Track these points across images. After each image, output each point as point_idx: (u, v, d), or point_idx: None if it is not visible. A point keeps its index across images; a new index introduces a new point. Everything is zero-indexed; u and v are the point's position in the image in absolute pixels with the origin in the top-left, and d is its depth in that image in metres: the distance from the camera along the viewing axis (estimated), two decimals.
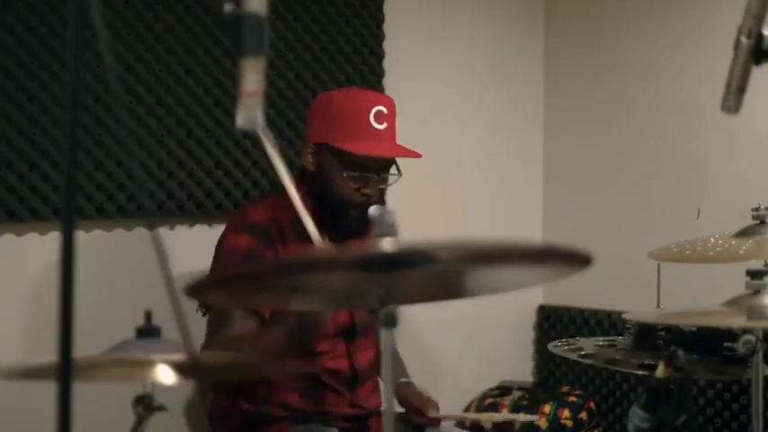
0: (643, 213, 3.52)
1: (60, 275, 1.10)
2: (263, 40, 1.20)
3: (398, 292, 1.41)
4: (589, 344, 2.57)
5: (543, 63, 3.82)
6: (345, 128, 2.39)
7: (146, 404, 1.56)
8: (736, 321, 2.02)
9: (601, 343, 2.59)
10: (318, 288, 1.52)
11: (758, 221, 2.24)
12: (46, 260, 2.55)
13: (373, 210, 1.37)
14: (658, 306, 2.52)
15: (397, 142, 2.49)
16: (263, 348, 2.31)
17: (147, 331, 1.58)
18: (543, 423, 3.28)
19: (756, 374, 2.14)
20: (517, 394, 3.44)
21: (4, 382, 1.77)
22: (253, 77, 1.20)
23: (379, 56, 3.26)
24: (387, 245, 1.31)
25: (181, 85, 2.80)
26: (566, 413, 3.33)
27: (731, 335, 2.17)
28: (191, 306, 2.47)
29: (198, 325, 2.45)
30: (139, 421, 1.56)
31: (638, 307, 2.62)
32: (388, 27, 3.28)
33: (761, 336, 2.07)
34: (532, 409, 3.32)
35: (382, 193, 2.46)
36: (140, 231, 2.76)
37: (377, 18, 3.25)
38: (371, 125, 2.39)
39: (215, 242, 2.50)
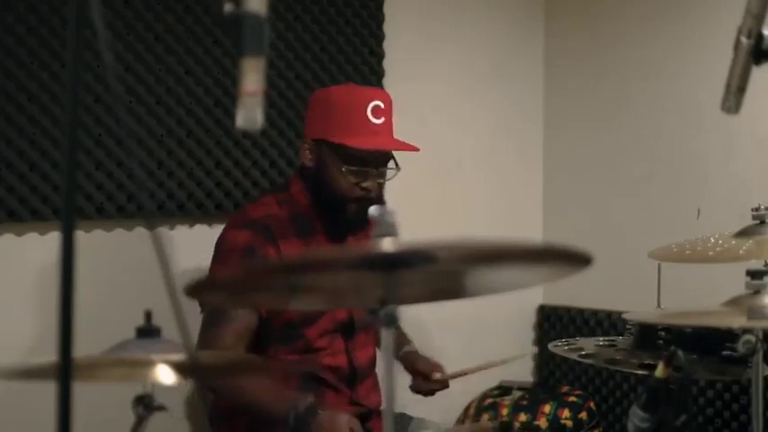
0: (643, 213, 3.52)
1: (60, 275, 1.10)
2: (263, 40, 1.20)
3: (398, 292, 1.41)
4: (589, 344, 2.57)
5: (543, 63, 3.82)
6: (343, 123, 2.40)
7: (146, 404, 1.56)
8: (736, 321, 2.02)
9: (601, 343, 2.59)
10: (318, 288, 1.52)
11: (758, 221, 2.24)
12: (46, 260, 2.55)
13: (373, 210, 1.37)
14: (658, 306, 2.52)
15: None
16: (258, 403, 2.34)
17: (147, 331, 1.58)
18: (543, 423, 3.28)
19: (756, 374, 2.14)
20: (517, 394, 3.44)
21: (4, 382, 1.77)
22: (253, 77, 1.19)
23: (379, 56, 3.26)
24: (387, 245, 1.31)
25: (181, 85, 2.81)
26: (566, 413, 3.33)
27: (731, 335, 2.17)
28: (191, 306, 2.46)
29: (198, 325, 2.45)
30: (139, 421, 1.56)
31: (638, 307, 2.62)
32: (388, 27, 3.28)
33: (761, 336, 2.07)
34: (532, 409, 3.32)
35: (381, 187, 2.46)
36: (140, 231, 2.76)
37: (377, 18, 3.25)
38: (369, 120, 2.40)
39: (215, 242, 2.50)
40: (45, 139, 2.56)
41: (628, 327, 2.53)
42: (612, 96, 3.64)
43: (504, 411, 3.32)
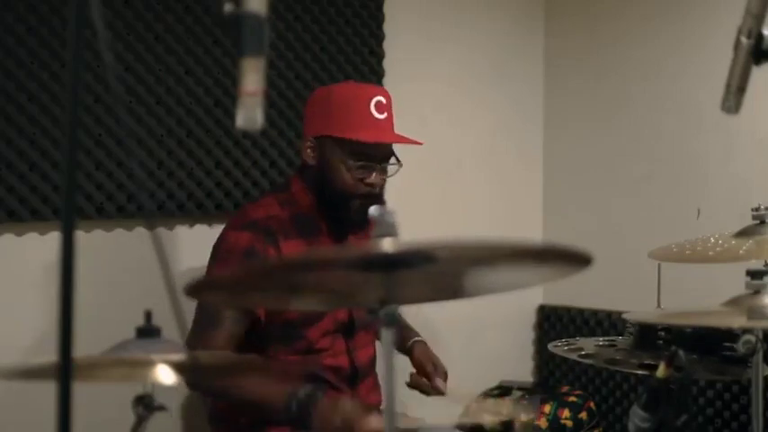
0: (643, 213, 3.52)
1: (60, 275, 1.10)
2: (263, 40, 1.20)
3: (398, 292, 1.41)
4: (589, 344, 2.57)
5: (543, 63, 3.82)
6: (348, 118, 2.41)
7: (146, 404, 1.56)
8: (736, 321, 2.02)
9: (601, 343, 2.59)
10: (318, 288, 1.52)
11: (758, 221, 2.24)
12: (46, 260, 2.55)
13: (373, 210, 1.37)
14: (658, 306, 2.52)
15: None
16: (255, 397, 2.32)
17: (147, 331, 1.58)
18: (543, 423, 3.28)
19: (756, 374, 2.14)
20: (517, 394, 3.44)
21: (4, 382, 1.77)
22: (253, 77, 1.19)
23: (379, 56, 3.26)
24: (387, 245, 1.31)
25: (181, 85, 2.81)
26: (566, 413, 3.33)
27: (731, 335, 2.17)
28: (191, 306, 2.47)
29: None
30: (139, 421, 1.56)
31: (638, 307, 2.62)
32: (388, 27, 3.28)
33: (761, 336, 2.07)
34: (532, 408, 3.32)
35: (383, 183, 2.47)
36: (140, 231, 2.76)
37: (377, 18, 3.25)
38: (373, 115, 2.41)
39: (214, 242, 2.50)
40: (45, 139, 2.56)
41: (628, 327, 2.53)
42: (612, 96, 3.64)
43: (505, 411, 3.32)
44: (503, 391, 3.47)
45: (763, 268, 2.10)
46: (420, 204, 3.23)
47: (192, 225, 2.89)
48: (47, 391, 1.18)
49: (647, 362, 2.29)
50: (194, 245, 2.77)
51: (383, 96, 2.45)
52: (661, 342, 2.38)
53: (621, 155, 3.61)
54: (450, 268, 1.41)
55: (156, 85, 2.76)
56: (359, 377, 2.55)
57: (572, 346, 2.54)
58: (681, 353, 1.86)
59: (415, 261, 1.32)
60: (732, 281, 2.10)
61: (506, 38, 3.73)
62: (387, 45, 3.28)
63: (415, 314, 2.70)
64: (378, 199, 2.43)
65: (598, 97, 3.68)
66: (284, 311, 2.39)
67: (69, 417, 1.08)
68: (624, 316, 2.48)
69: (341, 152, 2.41)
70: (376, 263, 1.34)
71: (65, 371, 1.08)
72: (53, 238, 2.55)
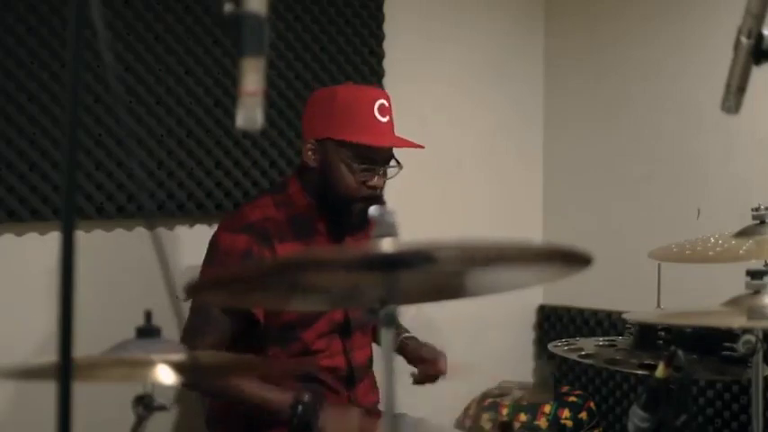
0: (643, 213, 3.52)
1: (60, 275, 1.10)
2: (263, 40, 1.20)
3: (398, 292, 1.41)
4: (589, 344, 2.57)
5: (543, 63, 3.82)
6: (351, 121, 2.40)
7: (146, 404, 1.56)
8: (736, 321, 2.02)
9: (601, 343, 2.59)
10: (318, 288, 1.52)
11: (758, 221, 2.24)
12: (46, 260, 2.55)
13: (373, 210, 1.37)
14: (658, 306, 2.52)
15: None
16: (257, 400, 2.34)
17: (147, 331, 1.58)
18: (543, 423, 3.28)
19: (756, 374, 2.14)
20: (517, 394, 3.44)
21: (4, 382, 1.77)
22: (253, 77, 1.19)
23: (379, 56, 3.26)
24: (387, 245, 1.31)
25: (181, 85, 2.80)
26: (566, 413, 3.33)
27: (731, 335, 2.17)
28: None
29: None
30: (139, 421, 1.56)
31: (638, 307, 2.62)
32: (388, 27, 3.28)
33: (761, 336, 2.07)
34: (533, 409, 3.32)
35: (384, 185, 2.47)
36: (140, 231, 2.76)
37: (377, 18, 3.25)
38: (376, 118, 2.41)
39: (209, 241, 2.50)
40: (45, 139, 2.56)
41: (628, 327, 2.53)
42: (612, 96, 3.64)
43: (505, 411, 3.32)
44: (503, 391, 3.47)
45: (763, 268, 2.10)
46: (420, 204, 3.23)
47: (191, 225, 2.89)
48: (47, 391, 1.18)
49: (646, 362, 2.29)
50: (194, 245, 2.76)
51: (385, 99, 2.45)
52: (661, 342, 2.38)
53: (621, 155, 3.61)
54: (450, 268, 1.41)
55: (156, 85, 2.76)
56: (355, 378, 2.55)
57: (572, 347, 2.54)
58: (680, 353, 1.86)
59: (415, 261, 1.32)
60: (732, 281, 2.10)
61: (506, 38, 3.73)
62: (387, 45, 3.28)
63: (416, 314, 2.70)
64: (378, 201, 2.43)
65: (598, 97, 3.68)
66: (281, 313, 2.39)
67: (69, 417, 1.08)
68: (624, 316, 2.48)
69: (344, 155, 2.40)
70: (376, 263, 1.34)
71: (65, 371, 1.08)
72: (53, 238, 2.55)
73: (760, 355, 2.10)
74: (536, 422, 3.27)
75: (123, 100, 2.57)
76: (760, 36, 1.54)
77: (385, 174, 2.46)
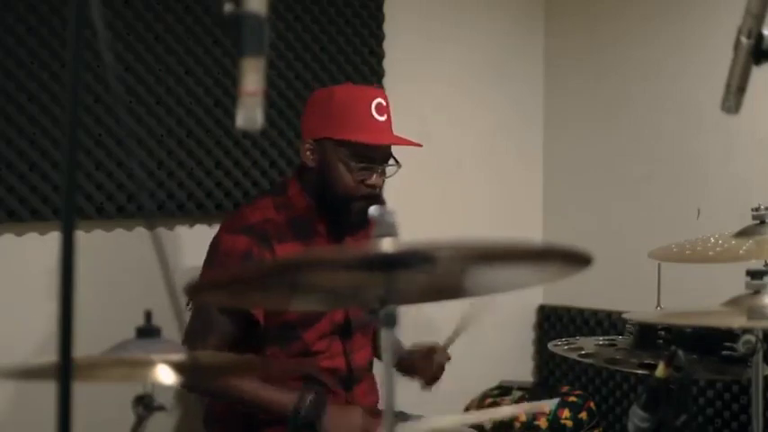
0: (643, 213, 3.52)
1: (60, 275, 1.10)
2: (263, 40, 1.20)
3: (398, 292, 1.41)
4: (589, 343, 2.57)
5: (543, 63, 3.82)
6: (349, 120, 2.41)
7: (146, 404, 1.56)
8: (736, 321, 2.02)
9: (601, 342, 2.59)
10: (318, 288, 1.52)
11: (758, 221, 2.24)
12: (46, 260, 2.54)
13: (373, 210, 1.37)
14: (658, 306, 2.52)
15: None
16: (260, 400, 2.34)
17: (147, 331, 1.58)
18: (543, 423, 3.28)
19: (756, 374, 2.14)
20: (517, 394, 3.44)
21: (4, 382, 1.77)
22: (253, 77, 1.19)
23: (379, 56, 3.26)
24: (387, 245, 1.31)
25: (181, 85, 2.81)
26: (566, 413, 3.33)
27: (731, 334, 2.17)
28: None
29: None
30: (139, 421, 1.56)
31: (638, 307, 2.62)
32: (388, 27, 3.28)
33: (761, 336, 2.07)
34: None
35: (383, 184, 2.47)
36: (140, 231, 2.76)
37: (377, 18, 3.25)
38: (374, 116, 2.41)
39: (210, 243, 2.50)
40: (45, 139, 2.56)
41: (628, 326, 2.53)
42: (612, 96, 3.64)
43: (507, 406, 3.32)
44: (503, 391, 3.47)
45: (763, 268, 2.10)
46: (420, 204, 3.23)
47: (191, 225, 2.89)
48: (47, 391, 1.18)
49: (646, 361, 2.29)
50: (194, 245, 2.76)
51: (382, 98, 2.46)
52: (661, 341, 2.38)
53: (621, 155, 3.61)
54: (450, 268, 1.41)
55: (156, 85, 2.76)
56: (355, 379, 2.55)
57: (572, 346, 2.54)
58: (680, 353, 1.86)
59: (415, 261, 1.32)
60: (732, 281, 2.10)
61: (506, 38, 3.73)
62: (387, 45, 3.28)
63: (416, 314, 2.70)
64: (377, 200, 2.43)
65: (598, 97, 3.69)
66: (282, 313, 2.39)
67: (69, 417, 1.08)
68: (624, 316, 2.48)
69: (342, 154, 2.41)
70: (376, 263, 1.34)
71: (65, 371, 1.08)
72: (53, 238, 2.55)
73: (760, 355, 2.10)
74: (536, 422, 3.27)
75: (123, 100, 2.57)
76: (760, 36, 1.54)
77: (383, 173, 2.46)
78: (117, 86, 1.89)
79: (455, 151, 3.57)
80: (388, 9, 3.28)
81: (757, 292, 2.04)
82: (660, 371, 1.87)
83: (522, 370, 3.76)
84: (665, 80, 3.47)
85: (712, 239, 2.30)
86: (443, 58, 3.53)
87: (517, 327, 3.78)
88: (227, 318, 2.35)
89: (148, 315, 1.59)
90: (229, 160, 2.91)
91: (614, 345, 2.54)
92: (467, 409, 3.45)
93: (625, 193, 3.60)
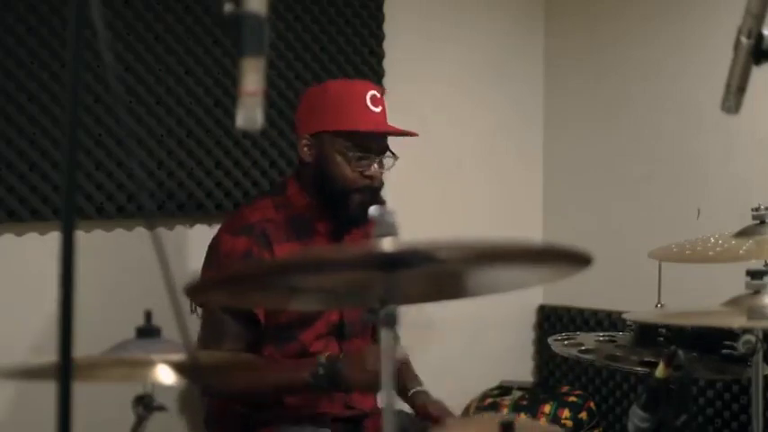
0: (643, 213, 3.52)
1: (60, 275, 1.10)
2: (263, 40, 1.20)
3: (398, 292, 1.41)
4: (589, 338, 2.58)
5: (543, 63, 3.82)
6: (345, 111, 2.42)
7: (146, 404, 1.56)
8: (736, 321, 2.02)
9: (601, 338, 2.59)
10: (318, 288, 1.52)
11: (758, 221, 2.24)
12: (46, 260, 2.54)
13: (373, 210, 1.37)
14: (658, 306, 2.52)
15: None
16: (276, 383, 2.34)
17: (147, 331, 1.58)
18: (543, 423, 3.28)
19: (756, 374, 2.14)
20: (517, 394, 3.44)
21: (4, 382, 1.77)
22: (253, 77, 1.19)
23: (379, 56, 3.26)
24: (387, 245, 1.31)
25: (181, 85, 2.80)
26: (566, 413, 3.33)
27: (731, 334, 2.17)
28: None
29: (197, 325, 2.45)
30: (139, 421, 1.56)
31: (638, 307, 2.62)
32: (388, 27, 3.28)
33: (761, 336, 2.07)
34: (532, 409, 3.32)
35: (381, 177, 2.46)
36: (140, 231, 2.76)
37: (377, 18, 3.25)
38: (369, 108, 2.42)
39: (209, 243, 2.50)
40: (45, 139, 2.56)
41: (628, 326, 2.53)
42: (612, 96, 3.64)
43: (505, 411, 3.32)
44: (503, 391, 3.47)
45: (763, 268, 2.10)
46: (420, 204, 3.23)
47: (191, 225, 2.89)
48: (47, 391, 1.18)
49: (647, 359, 2.29)
50: (194, 245, 2.77)
51: (376, 91, 2.47)
52: (662, 339, 2.38)
53: (621, 155, 3.61)
54: (450, 268, 1.41)
55: (156, 85, 2.76)
56: None
57: (572, 341, 2.54)
58: (680, 352, 1.86)
59: (415, 261, 1.32)
60: (732, 281, 2.10)
61: (506, 38, 3.73)
62: (387, 45, 3.28)
63: (416, 314, 2.70)
64: (376, 193, 2.44)
65: (598, 97, 3.68)
66: (279, 314, 2.39)
67: (69, 417, 1.08)
68: (624, 316, 2.48)
69: (339, 145, 2.41)
70: (376, 263, 1.34)
71: (65, 371, 1.09)
72: (53, 238, 2.55)
73: (760, 355, 2.10)
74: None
75: (123, 100, 2.57)
76: (760, 36, 1.54)
77: (381, 164, 2.46)
78: (117, 86, 1.89)
79: (455, 151, 3.57)
80: (388, 9, 3.28)
81: (757, 292, 2.04)
82: (660, 371, 1.87)
83: (522, 370, 3.76)
84: (665, 80, 3.47)
85: (712, 239, 2.30)
86: (443, 58, 3.53)
87: (517, 327, 3.78)
88: (236, 320, 2.35)
89: (148, 315, 1.59)
90: (229, 160, 2.91)
91: (614, 341, 2.54)
92: (467, 409, 3.45)
93: (625, 193, 3.59)
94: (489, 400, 3.42)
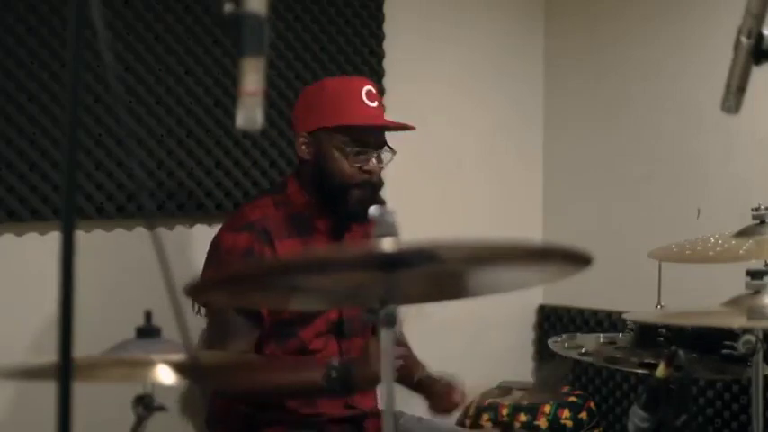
0: (643, 213, 3.52)
1: (60, 275, 1.10)
2: (263, 40, 1.20)
3: (398, 292, 1.41)
4: (589, 340, 2.58)
5: (543, 63, 3.82)
6: (341, 107, 2.42)
7: (146, 404, 1.56)
8: (736, 321, 2.02)
9: (601, 340, 2.59)
10: (318, 288, 1.52)
11: (758, 221, 2.24)
12: (46, 260, 2.54)
13: (373, 210, 1.37)
14: (658, 306, 2.52)
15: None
16: (287, 384, 2.34)
17: (147, 331, 1.58)
18: (543, 423, 3.28)
19: (756, 374, 2.14)
20: (517, 394, 3.43)
21: (4, 382, 1.77)
22: (253, 77, 1.19)
23: (379, 56, 3.26)
24: (387, 245, 1.31)
25: (181, 85, 2.80)
26: (566, 413, 3.33)
27: (731, 334, 2.17)
28: (191, 306, 2.47)
29: (198, 325, 2.45)
30: (139, 421, 1.56)
31: (639, 307, 2.62)
32: (388, 27, 3.28)
33: (761, 336, 2.07)
34: (532, 409, 3.32)
35: (380, 172, 2.46)
36: (140, 231, 2.76)
37: (377, 18, 3.25)
38: (365, 103, 2.43)
39: (211, 242, 2.50)
40: (45, 139, 2.56)
41: (628, 326, 2.53)
42: (612, 96, 3.64)
43: (504, 411, 3.32)
44: (503, 391, 3.47)
45: (763, 268, 2.10)
46: (420, 204, 3.23)
47: (191, 225, 2.89)
48: (47, 391, 1.18)
49: (647, 360, 2.29)
50: (194, 245, 2.77)
51: (372, 86, 2.48)
52: (662, 338, 2.38)
53: (621, 155, 3.61)
54: (450, 268, 1.41)
55: (156, 85, 2.76)
56: None
57: (571, 342, 2.54)
58: (680, 352, 1.86)
59: (415, 261, 1.32)
60: (732, 281, 2.10)
61: (506, 38, 3.73)
62: (387, 45, 3.28)
63: (416, 314, 2.70)
64: (375, 189, 2.44)
65: (598, 97, 3.68)
66: (280, 311, 2.39)
67: (69, 417, 1.08)
68: (624, 316, 2.48)
69: (337, 141, 2.42)
70: (376, 262, 1.34)
71: (65, 371, 1.08)
72: (53, 238, 2.55)
73: (760, 355, 2.10)
74: (536, 422, 3.27)
75: (123, 100, 2.57)
76: (760, 36, 1.54)
77: (379, 159, 2.46)
78: (117, 86, 1.89)
79: (455, 151, 3.57)
80: (388, 9, 3.28)
81: (757, 292, 2.04)
82: (660, 371, 1.87)
83: (522, 370, 3.76)
84: (665, 80, 3.47)
85: (712, 239, 2.30)
86: (443, 58, 3.53)
87: (517, 327, 3.78)
88: (241, 319, 2.35)
89: (148, 315, 1.59)
90: (229, 160, 2.91)
91: (614, 343, 2.54)
92: (467, 409, 3.44)
93: (625, 193, 3.59)
94: (489, 400, 3.41)
